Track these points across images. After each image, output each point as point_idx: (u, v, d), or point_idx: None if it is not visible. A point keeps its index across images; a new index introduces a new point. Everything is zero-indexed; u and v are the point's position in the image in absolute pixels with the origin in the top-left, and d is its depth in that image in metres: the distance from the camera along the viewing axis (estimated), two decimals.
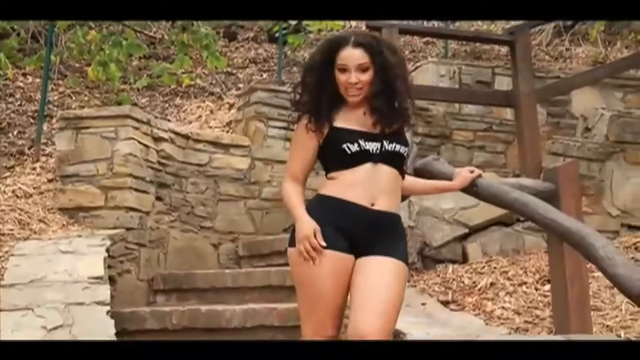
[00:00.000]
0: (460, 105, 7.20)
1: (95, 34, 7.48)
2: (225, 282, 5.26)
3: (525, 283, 4.89)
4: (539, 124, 6.68)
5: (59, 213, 5.27)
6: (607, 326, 4.20)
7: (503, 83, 7.32)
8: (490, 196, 3.08)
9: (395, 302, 2.56)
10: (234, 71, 8.30)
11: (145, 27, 8.63)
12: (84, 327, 3.89)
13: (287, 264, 2.76)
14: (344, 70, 2.67)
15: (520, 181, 3.52)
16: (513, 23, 7.19)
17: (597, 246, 2.46)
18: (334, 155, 2.69)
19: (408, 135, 2.83)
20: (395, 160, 2.70)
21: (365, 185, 2.64)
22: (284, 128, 6.30)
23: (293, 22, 8.75)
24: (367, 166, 2.65)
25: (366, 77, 2.67)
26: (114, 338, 3.86)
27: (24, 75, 7.48)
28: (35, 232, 4.95)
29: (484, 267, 5.23)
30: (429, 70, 7.39)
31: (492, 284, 4.90)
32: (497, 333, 4.11)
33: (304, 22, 8.84)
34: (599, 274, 3.43)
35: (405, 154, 2.74)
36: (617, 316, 4.31)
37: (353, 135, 2.66)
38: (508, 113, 7.09)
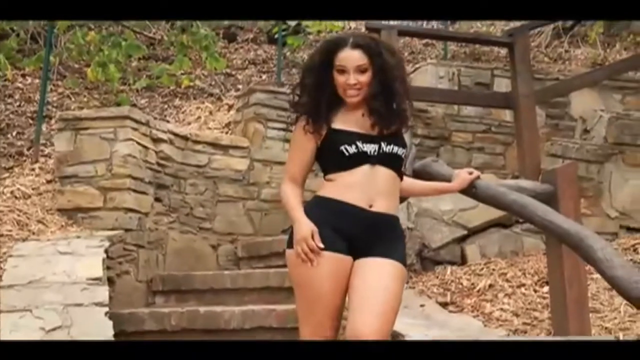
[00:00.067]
0: (459, 106, 7.20)
1: (94, 34, 7.49)
2: (224, 283, 5.25)
3: (523, 285, 4.89)
4: (538, 126, 6.68)
5: (58, 214, 5.26)
6: (606, 328, 4.20)
7: (502, 85, 7.32)
8: (489, 198, 3.08)
9: (393, 303, 2.56)
10: (233, 72, 8.30)
11: (144, 28, 8.63)
12: (83, 328, 3.88)
13: (285, 266, 2.76)
14: (342, 71, 2.67)
15: (519, 183, 3.52)
16: (512, 25, 7.21)
17: (596, 248, 2.46)
18: (331, 156, 2.69)
19: (406, 136, 2.84)
20: (393, 162, 2.70)
21: (363, 187, 2.64)
22: (283, 129, 6.29)
23: (292, 24, 8.76)
24: (365, 168, 2.65)
25: (365, 78, 2.67)
26: (112, 339, 3.85)
27: (23, 76, 7.48)
28: (33, 233, 4.95)
29: (482, 268, 5.23)
30: (428, 72, 7.39)
31: (490, 285, 4.90)
32: (496, 335, 4.11)
33: (304, 24, 8.84)
34: (597, 275, 3.43)
35: (403, 156, 2.74)
36: (615, 318, 4.32)
37: (351, 137, 2.66)
38: (507, 115, 7.09)
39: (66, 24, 7.58)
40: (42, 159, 5.98)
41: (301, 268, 2.60)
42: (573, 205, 3.42)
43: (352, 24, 9.22)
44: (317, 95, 2.70)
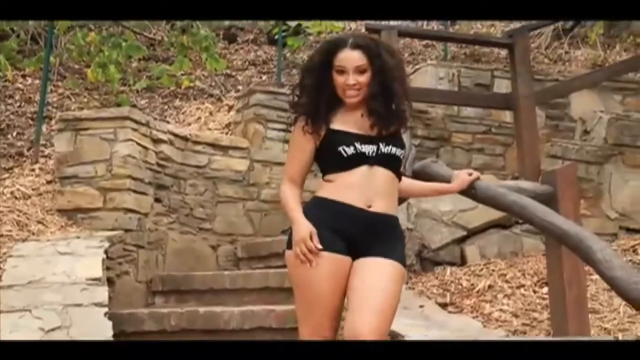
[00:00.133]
0: (459, 107, 7.20)
1: (94, 35, 7.49)
2: (224, 283, 5.25)
3: (523, 285, 4.89)
4: (538, 127, 6.68)
5: (58, 214, 5.26)
6: (605, 329, 4.20)
7: (502, 86, 7.31)
8: (489, 199, 3.08)
9: (391, 302, 2.56)
10: (234, 73, 8.30)
11: (144, 29, 8.64)
12: (82, 328, 3.88)
13: (285, 266, 2.77)
14: (341, 72, 2.68)
15: (519, 184, 3.52)
16: (512, 26, 7.21)
17: (595, 249, 2.47)
18: (330, 157, 2.69)
19: (406, 137, 2.84)
20: (392, 163, 2.70)
21: (362, 188, 2.64)
22: (283, 130, 6.29)
23: (292, 24, 8.76)
24: (363, 169, 2.65)
25: (364, 79, 2.67)
26: (111, 339, 3.85)
27: (23, 76, 7.48)
28: (33, 234, 4.95)
29: (482, 269, 5.23)
30: (428, 73, 7.38)
31: (490, 286, 4.91)
32: (495, 335, 4.11)
33: (304, 25, 8.84)
34: (597, 276, 3.43)
35: (401, 157, 2.75)
36: (615, 319, 4.32)
37: (349, 138, 2.67)
38: (507, 116, 7.09)
39: (66, 25, 7.58)
40: (42, 160, 5.98)
41: (300, 269, 2.60)
42: (573, 207, 3.42)
43: (352, 24, 9.22)
44: (317, 96, 2.70)
